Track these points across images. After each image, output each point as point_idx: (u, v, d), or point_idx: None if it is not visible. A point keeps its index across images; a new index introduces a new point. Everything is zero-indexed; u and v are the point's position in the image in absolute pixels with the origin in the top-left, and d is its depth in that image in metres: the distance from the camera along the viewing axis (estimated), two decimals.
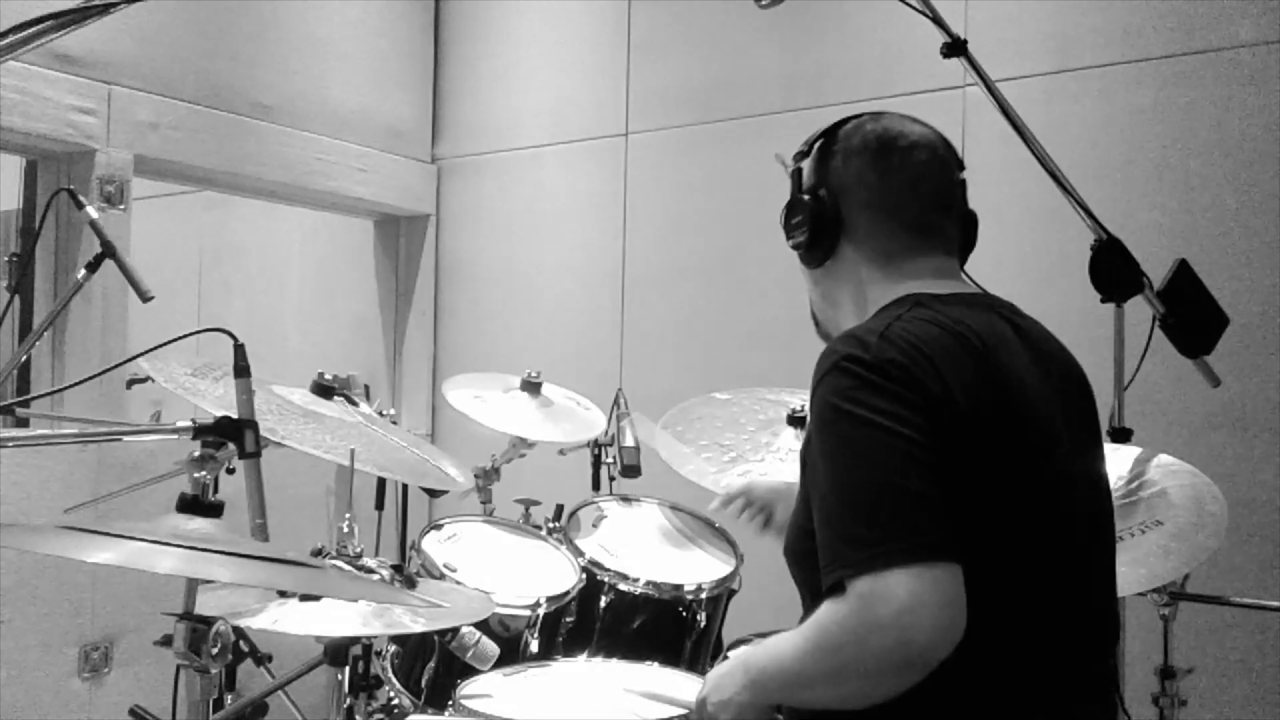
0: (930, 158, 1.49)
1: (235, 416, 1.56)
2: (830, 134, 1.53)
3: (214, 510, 1.39)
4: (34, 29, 1.18)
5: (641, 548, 2.57)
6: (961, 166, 1.53)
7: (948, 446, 1.25)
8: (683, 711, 1.81)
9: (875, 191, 1.48)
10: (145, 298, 2.37)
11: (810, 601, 1.39)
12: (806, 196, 1.51)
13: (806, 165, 1.54)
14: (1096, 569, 1.44)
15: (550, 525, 2.65)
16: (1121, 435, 2.15)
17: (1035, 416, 1.36)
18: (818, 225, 1.49)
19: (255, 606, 1.80)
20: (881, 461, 1.24)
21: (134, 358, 1.81)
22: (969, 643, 1.20)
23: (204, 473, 1.49)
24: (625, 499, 2.77)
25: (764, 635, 2.26)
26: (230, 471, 1.64)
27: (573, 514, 2.63)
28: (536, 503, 2.76)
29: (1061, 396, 1.43)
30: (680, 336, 3.74)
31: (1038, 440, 1.36)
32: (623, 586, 2.39)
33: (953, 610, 1.19)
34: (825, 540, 1.26)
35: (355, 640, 1.98)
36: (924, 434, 1.24)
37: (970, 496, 1.25)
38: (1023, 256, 3.04)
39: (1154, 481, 2.10)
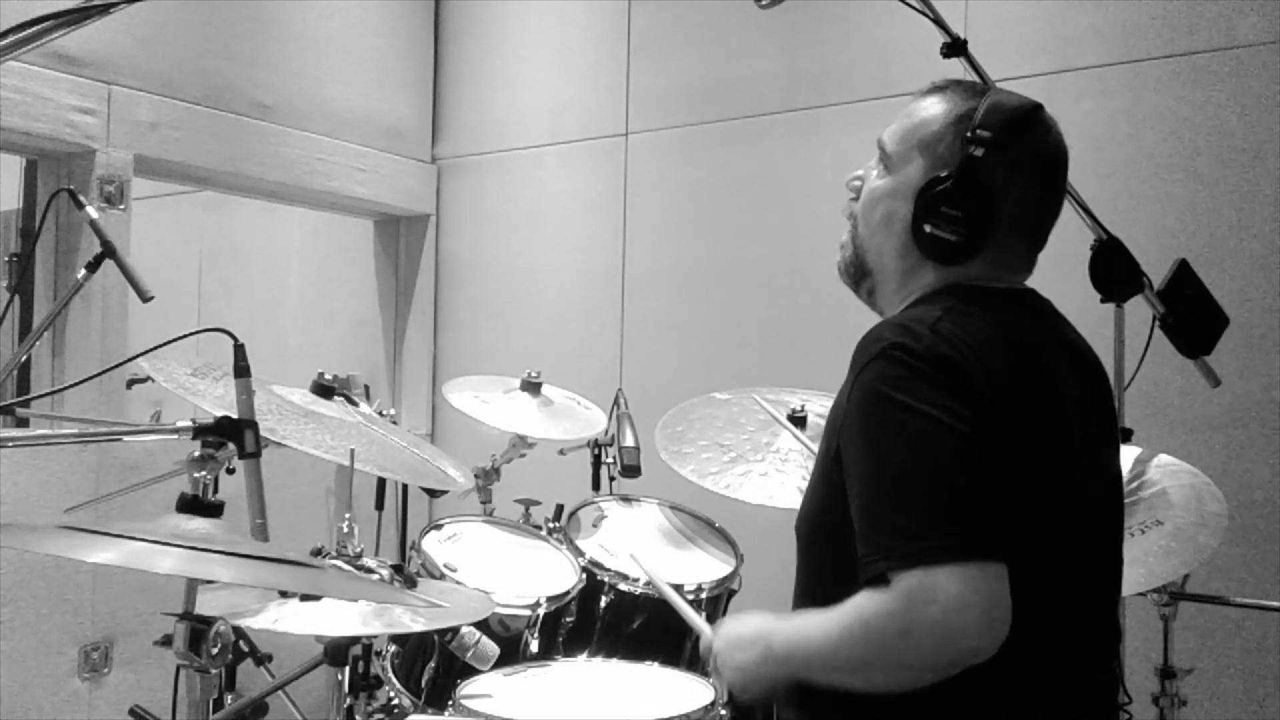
0: (1065, 174, 1.48)
1: (235, 416, 1.55)
2: (1016, 129, 1.39)
3: (214, 510, 1.38)
4: (34, 29, 1.18)
5: (641, 548, 2.57)
6: None
7: (993, 446, 1.24)
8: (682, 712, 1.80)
9: (1029, 217, 1.43)
10: (145, 298, 2.37)
11: (813, 582, 1.38)
12: (977, 199, 1.37)
13: (985, 154, 1.37)
14: (1107, 573, 1.44)
15: (550, 525, 2.65)
16: (1121, 435, 2.15)
17: (1069, 420, 1.36)
18: (973, 237, 1.38)
19: (255, 606, 1.80)
20: (933, 454, 1.22)
21: (134, 358, 1.80)
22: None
23: (204, 473, 1.49)
24: (625, 499, 2.77)
25: None
26: (230, 471, 1.64)
27: (573, 514, 2.63)
28: (536, 503, 2.76)
29: (1087, 399, 1.43)
30: (680, 336, 3.73)
31: (1070, 446, 1.36)
32: (623, 586, 2.39)
33: (1000, 610, 1.18)
34: (866, 529, 1.24)
35: (355, 640, 1.98)
36: (974, 429, 1.23)
37: (1008, 498, 1.24)
38: None
39: (1154, 481, 2.10)
